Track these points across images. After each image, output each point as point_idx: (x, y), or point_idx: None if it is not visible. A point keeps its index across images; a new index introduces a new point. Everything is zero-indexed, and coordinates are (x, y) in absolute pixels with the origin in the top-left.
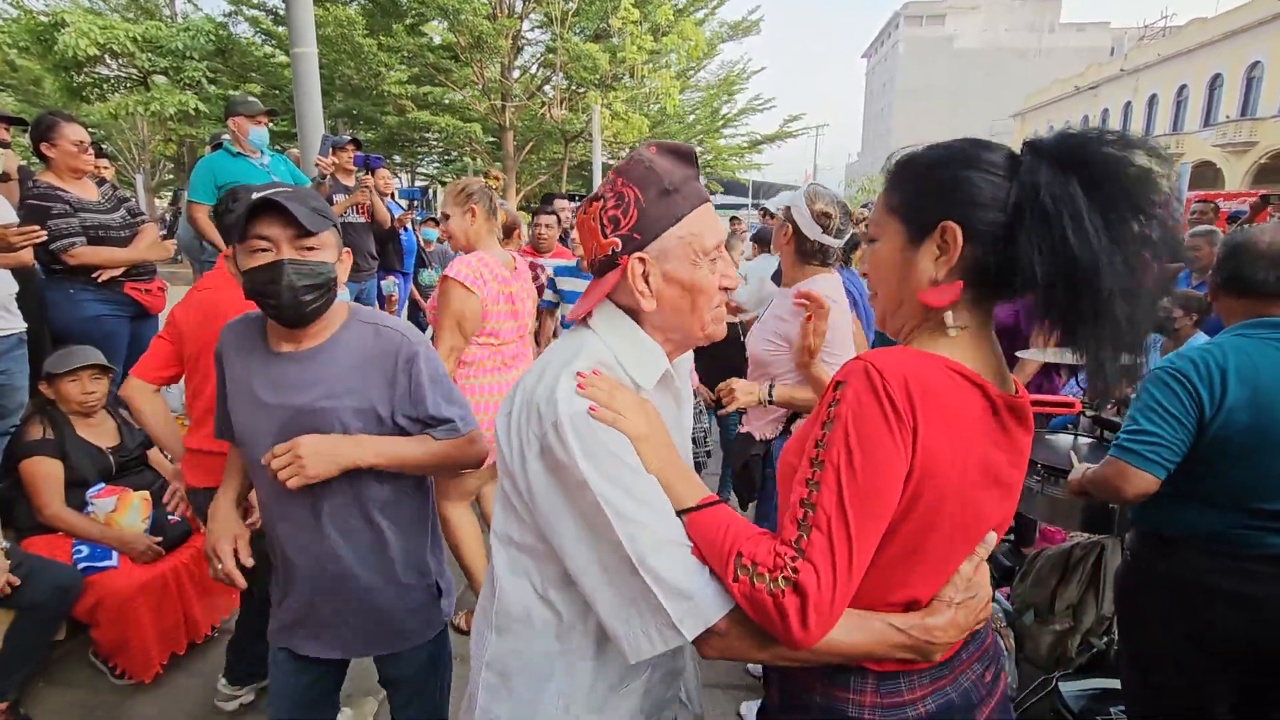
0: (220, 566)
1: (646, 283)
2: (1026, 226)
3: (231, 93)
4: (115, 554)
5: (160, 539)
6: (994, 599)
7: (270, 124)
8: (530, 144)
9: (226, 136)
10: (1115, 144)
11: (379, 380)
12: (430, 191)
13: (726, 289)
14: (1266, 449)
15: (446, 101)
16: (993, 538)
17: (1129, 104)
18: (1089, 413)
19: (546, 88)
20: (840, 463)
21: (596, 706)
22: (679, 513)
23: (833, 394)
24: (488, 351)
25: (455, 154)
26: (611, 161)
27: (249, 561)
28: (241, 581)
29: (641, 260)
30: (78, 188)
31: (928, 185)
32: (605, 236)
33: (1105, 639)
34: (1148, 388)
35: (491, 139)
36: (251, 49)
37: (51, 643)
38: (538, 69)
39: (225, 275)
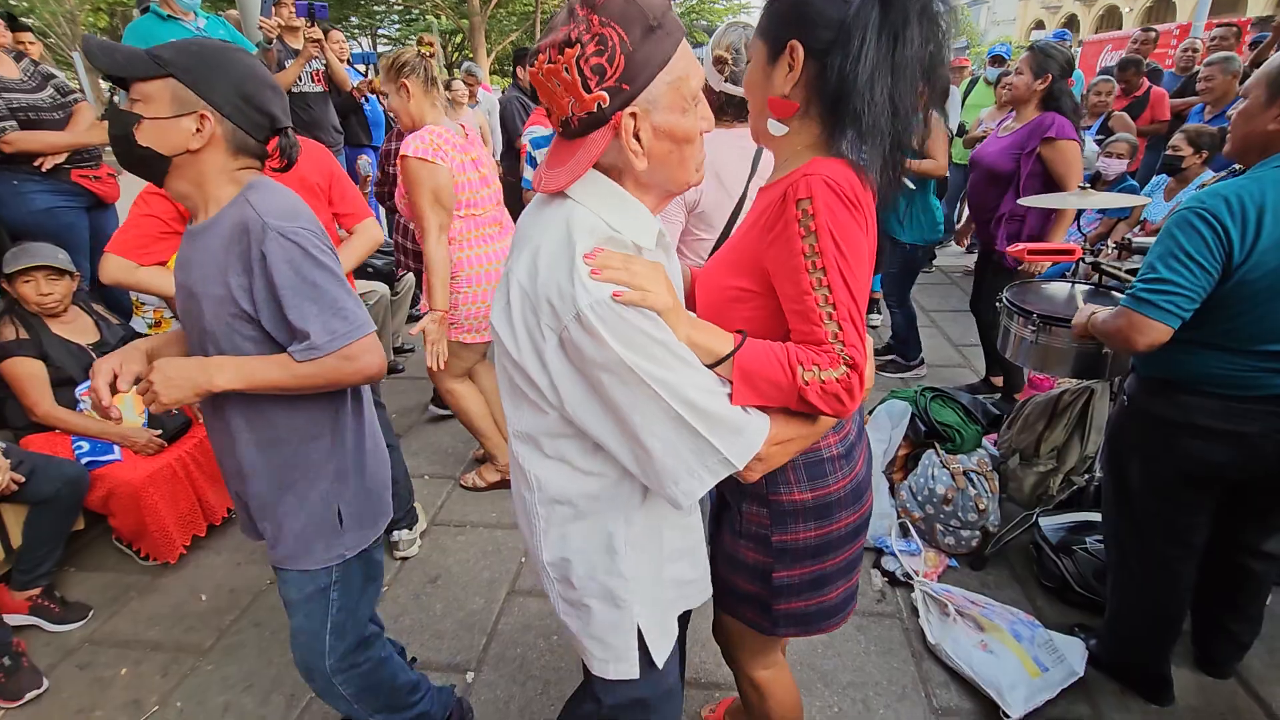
0: (93, 384)
1: (638, 139)
2: (837, 44)
3: None
4: (116, 448)
5: (160, 431)
6: (981, 445)
7: None
8: None
9: None
10: None
11: (238, 269)
12: None
13: (705, 132)
14: None
15: None
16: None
17: None
18: (1088, 259)
19: None
20: (839, 263)
21: (658, 547)
22: (721, 360)
23: (796, 210)
24: (468, 224)
25: (417, 12)
26: None
27: (125, 386)
28: (107, 399)
29: (633, 115)
30: None
31: (782, 8)
32: (589, 91)
33: (1086, 476)
34: (1171, 231)
35: None
36: None
37: (70, 533)
38: None
39: None
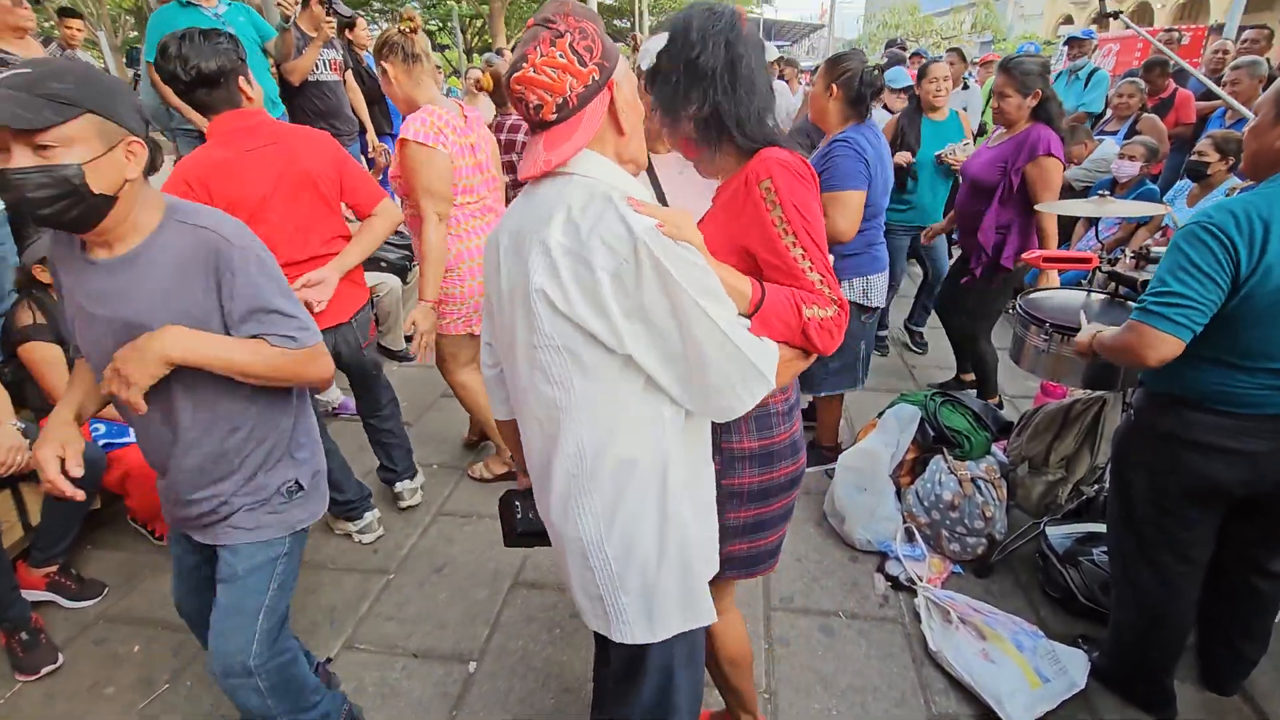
0: (44, 477)
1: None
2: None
3: None
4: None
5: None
6: (990, 452)
7: None
8: None
9: None
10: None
11: (199, 287)
12: None
13: None
14: None
15: None
16: None
17: None
18: (1105, 268)
19: None
20: (805, 226)
21: (702, 484)
22: (758, 305)
23: (760, 190)
24: (463, 212)
25: None
26: (610, 0)
27: (77, 471)
28: (69, 490)
29: (616, 86)
30: (21, 48)
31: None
32: (585, 66)
33: (1095, 487)
34: (1179, 245)
35: None
36: None
37: (88, 512)
38: None
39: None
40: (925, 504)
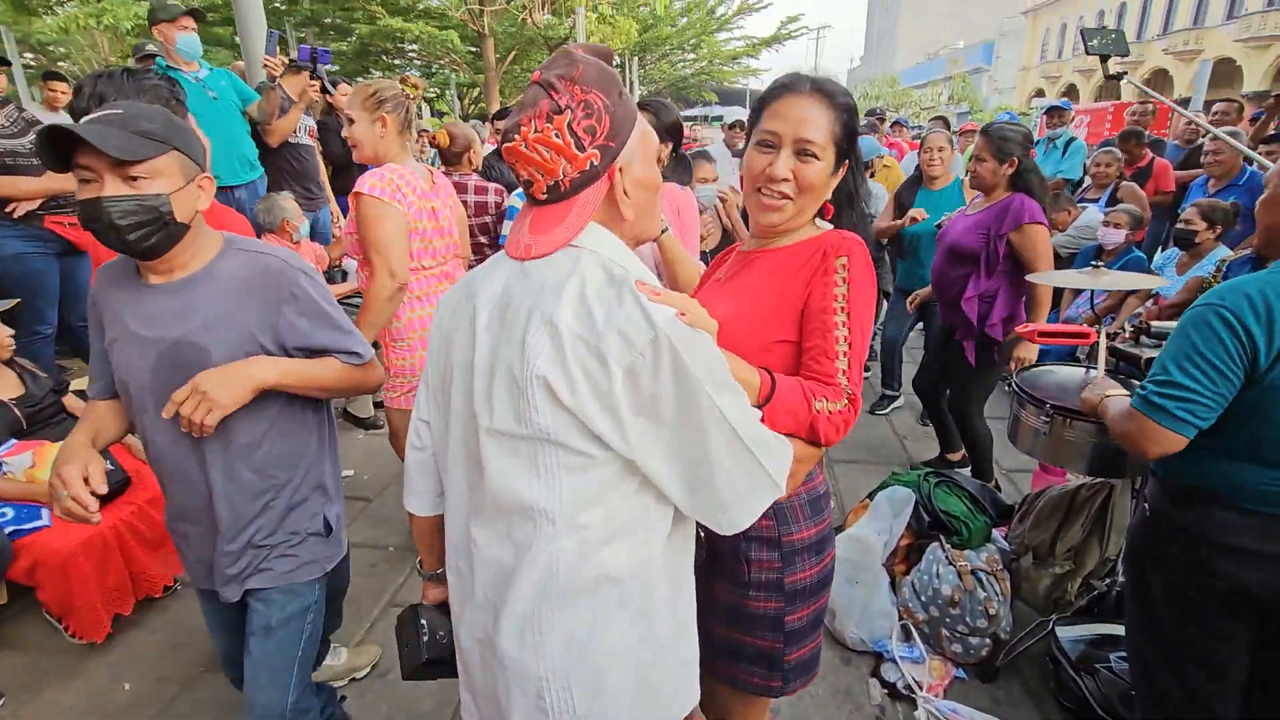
0: (66, 494)
1: (625, 192)
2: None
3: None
4: (45, 512)
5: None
6: (990, 538)
7: (194, 28)
8: (512, 53)
9: (151, 47)
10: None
11: (257, 310)
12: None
13: None
14: None
15: (421, 7)
16: None
17: None
18: (1105, 342)
19: None
20: (861, 310)
21: (683, 599)
22: (767, 399)
23: (835, 264)
24: (420, 281)
25: (435, 66)
26: None
27: (102, 489)
28: (93, 505)
29: (620, 169)
30: None
31: (849, 135)
32: (583, 150)
33: (1108, 581)
34: (1186, 331)
35: (471, 48)
36: None
37: None
38: None
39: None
40: (923, 599)
